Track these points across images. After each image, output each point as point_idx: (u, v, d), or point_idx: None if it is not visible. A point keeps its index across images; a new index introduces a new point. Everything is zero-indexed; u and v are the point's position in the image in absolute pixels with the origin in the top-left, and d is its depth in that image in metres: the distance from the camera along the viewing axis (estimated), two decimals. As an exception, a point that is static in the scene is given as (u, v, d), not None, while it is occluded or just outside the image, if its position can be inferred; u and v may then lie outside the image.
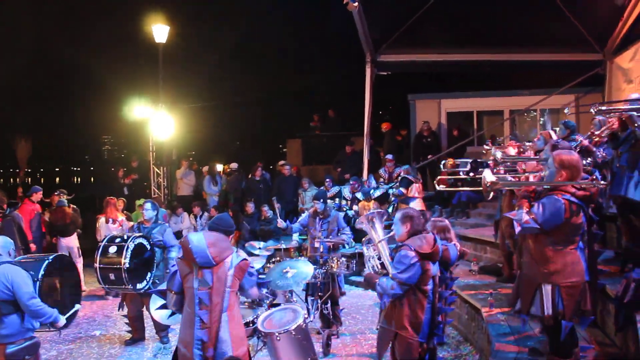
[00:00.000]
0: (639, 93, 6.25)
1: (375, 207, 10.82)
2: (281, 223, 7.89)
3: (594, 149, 6.32)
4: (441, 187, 5.32)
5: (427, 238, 4.36)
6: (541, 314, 4.22)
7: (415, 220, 4.44)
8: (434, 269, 4.38)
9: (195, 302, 4.12)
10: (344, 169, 14.46)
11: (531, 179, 4.90)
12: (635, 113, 5.36)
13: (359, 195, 12.07)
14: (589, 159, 5.77)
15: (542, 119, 14.75)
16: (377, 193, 11.43)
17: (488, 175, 4.38)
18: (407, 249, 4.29)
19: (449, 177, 5.33)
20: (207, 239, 4.15)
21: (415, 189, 10.37)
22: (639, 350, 4.36)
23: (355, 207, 12.05)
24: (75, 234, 10.51)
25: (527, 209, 4.15)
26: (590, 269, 4.30)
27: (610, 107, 5.83)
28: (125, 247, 6.69)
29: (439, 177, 5.25)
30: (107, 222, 10.12)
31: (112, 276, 6.71)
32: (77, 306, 5.61)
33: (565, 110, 7.39)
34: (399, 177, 10.87)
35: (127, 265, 6.63)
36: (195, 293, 4.13)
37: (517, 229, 4.13)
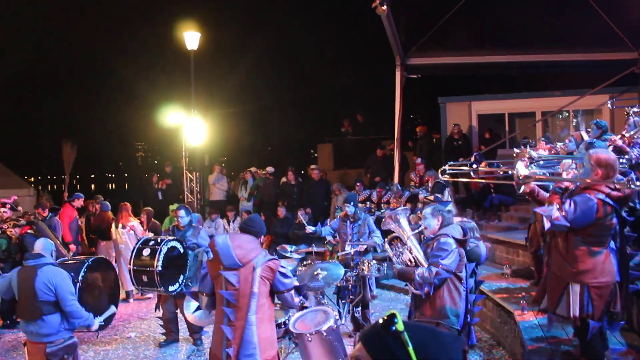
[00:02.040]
0: None
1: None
2: (309, 229, 7.97)
3: (628, 149, 6.22)
4: (445, 177, 5.42)
5: (457, 228, 4.62)
6: (567, 314, 4.17)
7: (445, 213, 4.71)
8: (465, 257, 4.63)
9: (224, 302, 4.15)
10: (375, 172, 14.44)
11: (564, 175, 4.85)
12: None
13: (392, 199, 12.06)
14: (625, 157, 5.66)
15: (575, 120, 14.49)
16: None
17: (521, 169, 4.36)
18: (446, 237, 4.50)
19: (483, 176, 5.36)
20: (232, 241, 4.14)
21: (447, 193, 10.34)
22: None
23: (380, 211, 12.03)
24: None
25: (559, 205, 4.11)
26: (622, 271, 4.24)
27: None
28: (159, 251, 6.82)
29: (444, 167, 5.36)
30: (116, 227, 10.26)
31: (144, 278, 6.84)
32: (112, 309, 5.74)
33: (608, 104, 7.31)
34: (429, 182, 10.85)
35: (160, 269, 6.74)
36: (223, 294, 4.15)
37: (547, 225, 4.10)
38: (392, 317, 1.33)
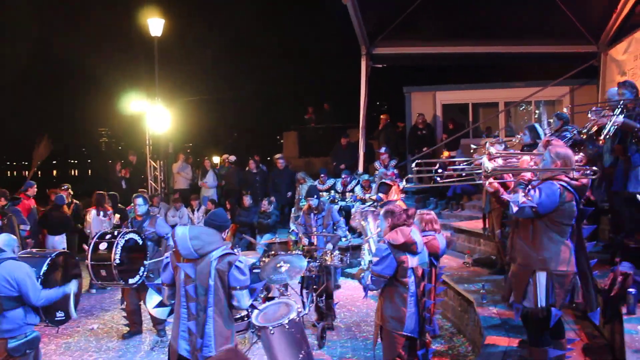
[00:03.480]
0: (616, 87, 6.32)
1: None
2: (305, 241, 7.96)
3: (586, 143, 6.40)
4: (409, 185, 5.50)
5: (402, 230, 4.50)
6: (534, 306, 4.28)
7: (395, 215, 4.63)
8: (412, 261, 4.49)
9: (182, 294, 4.13)
10: (339, 161, 14.47)
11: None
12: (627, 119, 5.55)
13: (357, 189, 12.14)
14: (581, 154, 5.80)
15: (537, 111, 14.78)
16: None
17: (487, 163, 4.50)
18: (383, 242, 4.53)
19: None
20: (191, 232, 4.11)
21: (393, 192, 10.46)
22: (624, 342, 4.44)
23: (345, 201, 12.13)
24: (63, 235, 10.51)
25: (524, 193, 4.27)
26: (581, 262, 4.38)
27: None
28: (115, 244, 6.76)
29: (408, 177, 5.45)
30: (98, 214, 10.14)
31: (103, 272, 6.77)
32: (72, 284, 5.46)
33: (565, 109, 7.57)
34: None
35: (117, 262, 6.70)
36: (181, 285, 4.13)
37: (514, 209, 4.21)
38: None
